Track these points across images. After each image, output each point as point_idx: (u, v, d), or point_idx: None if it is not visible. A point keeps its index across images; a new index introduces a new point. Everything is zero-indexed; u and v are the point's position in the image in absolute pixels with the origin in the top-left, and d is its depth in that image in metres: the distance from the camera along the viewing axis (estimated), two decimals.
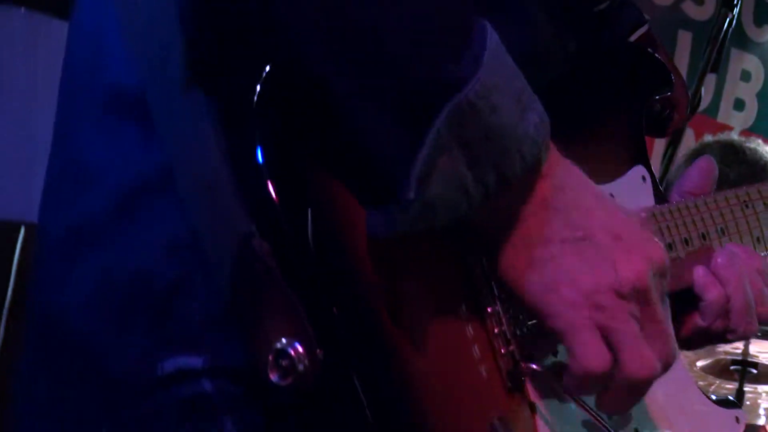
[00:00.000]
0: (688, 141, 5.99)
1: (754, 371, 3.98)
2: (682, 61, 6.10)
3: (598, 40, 1.82)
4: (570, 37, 1.75)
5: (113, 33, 1.50)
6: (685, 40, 6.14)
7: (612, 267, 1.38)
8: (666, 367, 1.44)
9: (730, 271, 1.82)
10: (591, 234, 1.39)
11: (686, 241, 1.85)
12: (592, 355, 1.38)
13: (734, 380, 3.97)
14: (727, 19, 3.58)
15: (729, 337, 1.83)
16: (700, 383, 4.04)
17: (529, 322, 1.54)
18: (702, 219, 1.89)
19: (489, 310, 1.49)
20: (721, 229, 1.91)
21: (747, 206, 1.97)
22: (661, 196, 1.89)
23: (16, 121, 3.81)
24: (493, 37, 1.33)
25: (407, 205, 1.29)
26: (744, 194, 1.97)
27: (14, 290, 3.44)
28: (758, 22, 6.51)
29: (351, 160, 1.33)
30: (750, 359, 3.94)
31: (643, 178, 1.86)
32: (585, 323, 1.38)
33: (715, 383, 4.07)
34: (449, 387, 1.42)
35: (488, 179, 1.31)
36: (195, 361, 1.38)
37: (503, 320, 1.51)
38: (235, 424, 1.40)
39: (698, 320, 1.82)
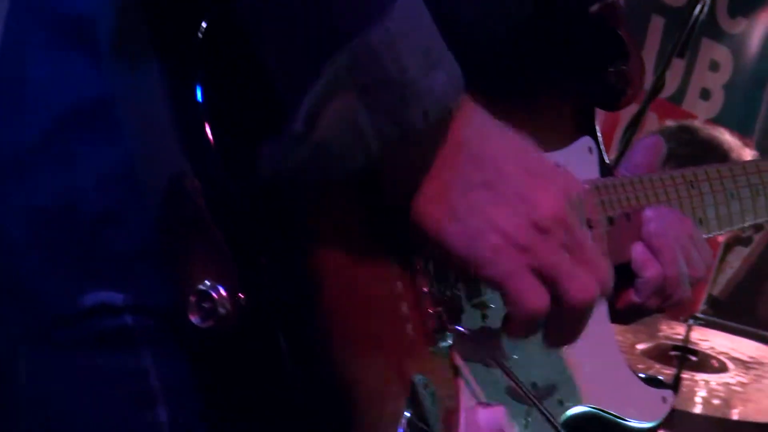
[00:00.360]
0: (651, 126, 5.99)
1: (694, 359, 4.00)
2: (653, 45, 6.08)
3: (558, 5, 1.80)
4: (525, 1, 1.73)
5: None
6: (657, 25, 6.13)
7: (530, 204, 1.37)
8: (605, 288, 1.44)
9: (664, 241, 1.82)
10: (504, 175, 1.38)
11: (628, 216, 1.84)
12: (530, 298, 1.38)
13: (673, 366, 3.98)
14: (698, 6, 3.57)
15: (662, 309, 1.84)
16: (639, 366, 4.05)
17: (458, 284, 1.54)
18: (646, 195, 1.88)
19: (419, 267, 1.49)
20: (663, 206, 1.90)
21: (693, 186, 1.96)
22: (607, 169, 1.88)
23: None
24: None
25: (296, 140, 1.27)
26: (691, 174, 1.97)
27: None
28: (732, 14, 6.51)
29: (262, 90, 1.31)
30: (691, 346, 3.95)
31: (590, 150, 1.85)
32: (515, 267, 1.37)
33: (654, 367, 4.07)
34: (371, 341, 1.42)
35: (386, 130, 1.29)
36: (117, 297, 1.37)
37: (433, 279, 1.50)
38: (155, 358, 1.39)
39: (633, 296, 1.83)
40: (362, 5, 1.28)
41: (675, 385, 3.94)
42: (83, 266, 1.39)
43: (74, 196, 1.39)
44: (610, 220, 1.82)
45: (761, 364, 3.92)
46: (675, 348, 4.02)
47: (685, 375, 4.00)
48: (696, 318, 4.07)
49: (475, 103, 1.40)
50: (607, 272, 1.45)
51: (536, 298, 1.39)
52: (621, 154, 3.59)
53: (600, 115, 1.88)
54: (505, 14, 1.71)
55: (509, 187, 1.38)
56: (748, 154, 4.07)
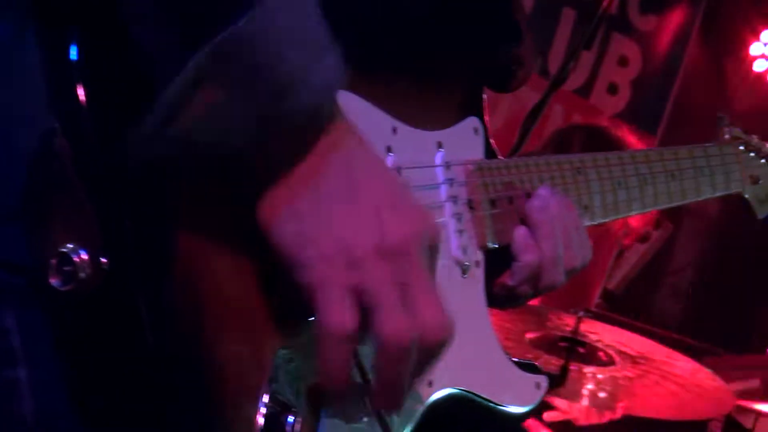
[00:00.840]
0: (557, 118, 6.02)
1: (582, 350, 4.00)
2: (562, 37, 6.10)
3: None
4: None
5: None
6: (568, 17, 6.14)
7: (378, 226, 1.31)
8: (425, 339, 1.34)
9: (544, 219, 1.80)
10: (366, 194, 1.32)
11: (511, 200, 1.82)
12: (335, 313, 1.30)
13: (562, 357, 3.98)
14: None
15: (534, 294, 1.82)
16: (528, 355, 4.05)
17: None
18: (530, 179, 1.86)
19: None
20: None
21: (579, 172, 1.95)
22: (491, 151, 1.86)
23: None
24: None
25: (157, 130, 1.23)
26: (578, 160, 1.95)
27: None
28: (643, 10, 6.55)
29: (134, 62, 1.27)
30: (579, 338, 3.96)
31: (476, 130, 1.83)
32: (335, 280, 1.30)
33: (542, 357, 4.07)
34: (233, 312, 1.38)
35: (250, 124, 1.25)
36: None
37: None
38: (16, 319, 1.35)
39: (508, 279, 1.80)
40: None
41: (562, 375, 3.94)
42: None
43: None
44: (492, 203, 1.79)
45: (648, 359, 3.94)
46: (563, 339, 4.02)
47: (573, 367, 3.99)
48: (587, 310, 4.07)
49: (347, 120, 1.35)
50: (434, 326, 1.34)
51: (341, 316, 1.30)
52: (520, 142, 3.58)
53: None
54: None
55: (367, 205, 1.32)
56: None
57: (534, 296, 1.84)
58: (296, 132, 1.28)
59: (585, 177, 1.95)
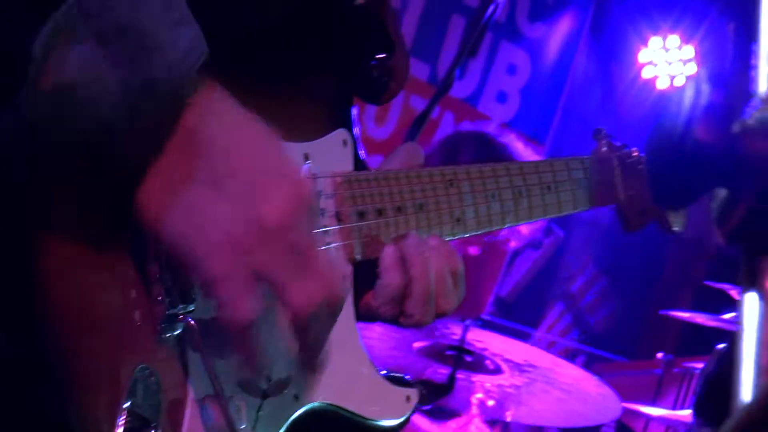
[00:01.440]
0: (448, 126, 6.03)
1: (469, 359, 4.00)
2: (451, 44, 6.12)
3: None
4: None
5: None
6: (457, 24, 6.16)
7: (256, 204, 1.31)
8: (331, 296, 1.37)
9: (417, 257, 1.77)
10: (233, 171, 1.31)
11: (380, 212, 1.79)
12: (239, 307, 1.31)
13: (449, 365, 3.98)
14: (491, 7, 3.58)
15: (402, 321, 1.78)
16: (417, 366, 4.04)
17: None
18: (401, 192, 1.83)
19: (150, 254, 1.41)
20: (420, 204, 1.86)
21: (452, 185, 1.92)
22: (361, 164, 1.83)
23: None
24: None
25: (37, 87, 1.20)
26: (451, 173, 1.92)
27: None
28: (532, 18, 6.59)
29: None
30: (466, 347, 3.95)
31: (344, 142, 1.80)
32: (229, 270, 1.30)
33: (431, 366, 4.07)
34: (91, 325, 1.34)
35: (130, 79, 1.23)
36: None
37: (164, 266, 1.43)
38: None
39: (371, 299, 1.77)
40: None
41: (449, 384, 3.93)
42: None
43: None
44: (361, 215, 1.76)
45: (534, 367, 3.95)
46: (451, 348, 4.01)
47: (461, 375, 3.99)
48: (476, 318, 4.08)
49: (219, 90, 1.33)
50: (334, 280, 1.38)
51: (245, 308, 1.31)
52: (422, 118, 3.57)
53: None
54: (264, 3, 1.63)
55: (236, 184, 1.31)
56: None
57: (398, 324, 1.80)
58: (162, 101, 1.26)
59: (458, 189, 1.92)
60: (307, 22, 1.72)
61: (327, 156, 1.75)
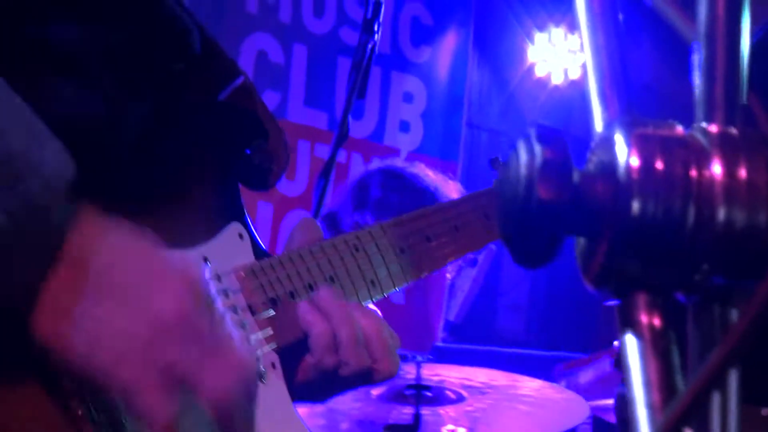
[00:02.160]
0: (357, 167, 6.04)
1: (430, 394, 4.00)
2: (342, 87, 6.14)
3: (180, 100, 1.74)
4: (143, 99, 1.66)
5: None
6: (344, 65, 6.18)
7: (148, 307, 1.31)
8: (243, 372, 1.36)
9: (334, 305, 1.78)
10: (119, 283, 1.32)
11: (292, 294, 1.79)
12: (158, 411, 1.30)
13: (412, 404, 3.97)
14: (369, 46, 3.59)
15: (344, 372, 1.78)
16: (379, 413, 4.03)
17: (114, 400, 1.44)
18: (308, 269, 1.83)
19: (68, 387, 1.40)
20: (331, 276, 1.86)
21: (357, 250, 1.92)
22: (261, 252, 1.82)
23: None
24: None
25: None
26: (353, 238, 1.93)
27: None
28: (415, 43, 6.62)
29: None
30: (424, 383, 3.95)
31: (240, 236, 1.79)
32: (141, 375, 1.29)
33: (395, 408, 4.06)
34: None
35: (8, 203, 1.23)
36: None
37: (87, 400, 1.42)
38: None
39: (309, 357, 1.77)
40: None
41: (416, 423, 3.93)
42: None
43: None
44: (274, 302, 1.76)
45: (494, 387, 3.95)
46: (409, 387, 4.00)
47: (426, 411, 3.98)
48: (429, 349, 4.08)
49: (89, 210, 1.32)
50: (244, 357, 1.38)
51: (163, 408, 1.30)
52: (319, 201, 3.57)
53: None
54: (123, 114, 1.62)
55: (126, 292, 1.31)
56: (452, 188, 4.10)
57: (346, 379, 1.80)
58: (42, 222, 1.26)
59: (365, 252, 1.93)
60: (174, 129, 1.71)
61: (226, 253, 1.75)
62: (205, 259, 1.70)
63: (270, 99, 5.75)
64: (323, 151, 5.93)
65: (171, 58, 1.71)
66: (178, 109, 1.73)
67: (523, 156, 0.76)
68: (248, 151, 1.82)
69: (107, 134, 1.60)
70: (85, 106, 1.57)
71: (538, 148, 0.76)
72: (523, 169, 0.75)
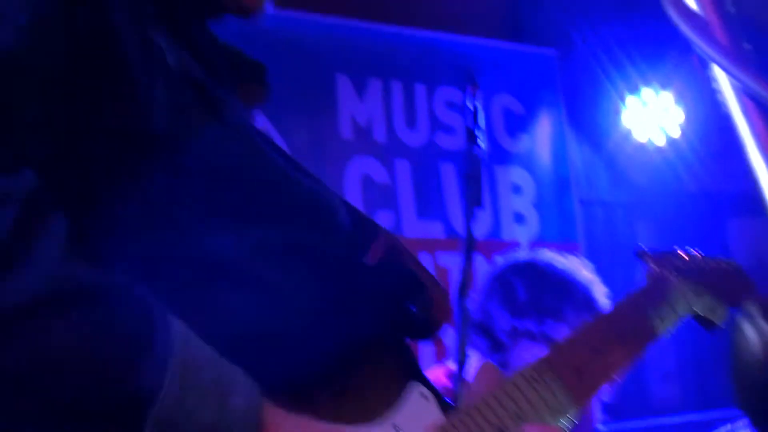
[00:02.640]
0: (481, 266, 6.00)
1: None
2: (451, 191, 6.15)
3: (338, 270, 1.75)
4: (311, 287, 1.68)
5: None
6: (448, 171, 6.20)
7: None
8: None
9: None
10: None
11: (518, 416, 1.80)
12: None
13: None
14: (476, 147, 3.60)
15: None
16: None
17: None
18: (495, 414, 1.82)
19: None
20: (517, 414, 1.85)
21: (536, 381, 1.91)
22: (446, 406, 1.82)
23: None
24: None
25: None
26: (529, 371, 1.92)
27: None
28: (511, 134, 6.62)
29: None
30: None
31: (424, 396, 1.78)
32: None
33: None
34: None
35: None
36: None
37: None
38: None
39: None
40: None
41: None
42: None
43: None
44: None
45: None
46: None
47: None
48: None
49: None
50: None
51: None
52: (463, 322, 3.54)
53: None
54: (296, 311, 1.64)
55: None
56: (600, 291, 4.02)
57: None
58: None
59: (543, 382, 1.92)
60: (334, 301, 1.72)
61: (414, 416, 1.75)
62: (396, 428, 1.70)
63: (384, 219, 5.77)
64: (445, 260, 5.93)
65: (332, 243, 1.72)
66: (336, 277, 1.74)
67: (752, 336, 0.75)
68: (413, 308, 1.82)
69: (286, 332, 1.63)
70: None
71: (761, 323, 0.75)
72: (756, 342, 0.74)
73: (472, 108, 3.60)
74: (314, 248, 1.68)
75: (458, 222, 6.11)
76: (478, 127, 3.59)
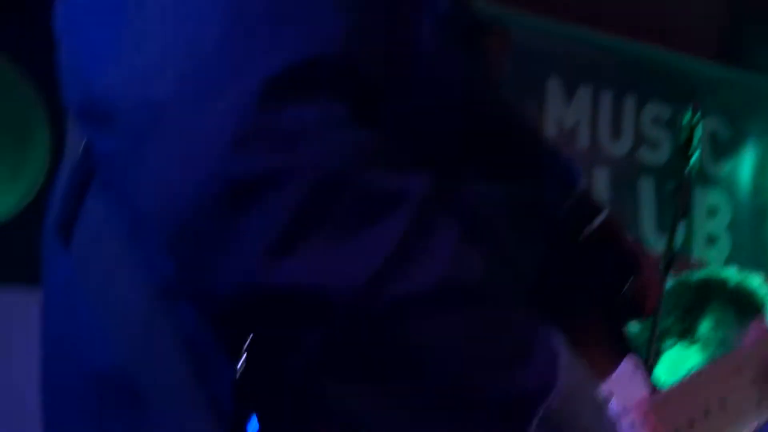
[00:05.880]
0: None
1: None
2: (648, 206, 6.14)
3: (562, 238, 1.80)
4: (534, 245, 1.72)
5: (85, 309, 1.47)
6: (647, 186, 6.19)
7: None
8: None
9: None
10: None
11: (692, 423, 1.83)
12: None
13: None
14: (692, 160, 3.59)
15: None
16: None
17: None
18: (699, 394, 1.86)
19: None
20: (721, 399, 1.88)
21: (740, 368, 1.94)
22: (652, 383, 1.85)
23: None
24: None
25: None
26: (731, 358, 1.95)
27: None
28: (715, 157, 6.56)
29: None
30: None
31: (635, 368, 1.84)
32: None
33: None
34: None
35: None
36: None
37: None
38: None
39: None
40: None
41: None
42: None
43: None
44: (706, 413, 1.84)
45: None
46: None
47: None
48: None
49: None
50: None
51: None
52: (652, 334, 3.53)
53: None
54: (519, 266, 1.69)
55: None
56: None
57: None
58: None
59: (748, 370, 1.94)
60: (558, 268, 1.76)
61: (627, 386, 1.80)
62: (609, 394, 1.75)
63: None
64: None
65: (562, 197, 1.75)
66: (560, 249, 1.77)
67: None
68: (625, 287, 1.85)
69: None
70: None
71: None
72: None
73: (691, 125, 3.58)
74: (549, 210, 1.71)
75: (651, 237, 6.09)
76: (695, 145, 3.57)
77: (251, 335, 1.28)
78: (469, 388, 1.30)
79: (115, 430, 1.41)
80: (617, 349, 1.84)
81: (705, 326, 3.98)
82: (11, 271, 3.99)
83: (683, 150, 3.63)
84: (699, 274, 4.19)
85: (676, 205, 3.67)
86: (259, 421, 1.29)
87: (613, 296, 1.85)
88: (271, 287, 1.23)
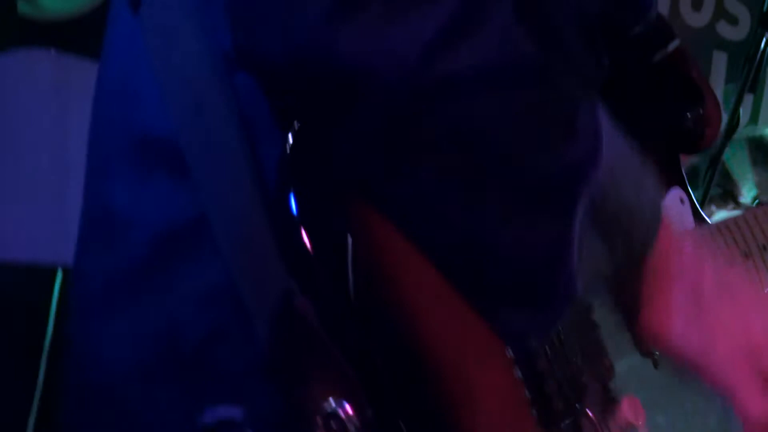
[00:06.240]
0: None
1: None
2: (718, 81, 6.04)
3: (628, 61, 1.78)
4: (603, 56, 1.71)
5: (145, 77, 1.46)
6: (720, 60, 6.09)
7: (748, 316, 1.45)
8: None
9: None
10: (724, 288, 1.47)
11: (764, 247, 1.84)
12: (756, 408, 1.43)
13: None
14: (764, 39, 3.55)
15: None
16: None
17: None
18: (743, 236, 1.84)
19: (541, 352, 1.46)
20: (764, 246, 1.86)
21: None
22: (699, 217, 1.85)
23: (49, 160, 3.80)
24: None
25: (567, 303, 1.34)
26: None
27: (53, 336, 3.42)
28: None
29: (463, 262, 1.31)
30: None
31: (682, 200, 1.83)
32: (744, 378, 1.44)
33: None
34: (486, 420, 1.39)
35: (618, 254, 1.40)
36: (236, 412, 1.34)
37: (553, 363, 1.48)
38: None
39: None
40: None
41: None
42: (193, 385, 1.38)
43: (177, 320, 1.39)
44: (746, 255, 1.83)
45: None
46: None
47: None
48: None
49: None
50: None
51: (761, 406, 1.44)
52: (705, 194, 3.53)
53: None
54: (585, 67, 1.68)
55: (734, 298, 1.47)
56: None
57: None
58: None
59: None
60: (620, 90, 1.74)
61: (672, 217, 1.78)
62: None
63: None
64: None
65: (634, 20, 1.75)
66: (627, 69, 1.78)
67: None
68: (687, 116, 1.85)
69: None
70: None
71: None
72: None
73: None
74: (620, 29, 1.72)
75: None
76: None
77: (302, 111, 1.28)
78: (518, 164, 1.29)
79: (157, 191, 1.42)
80: (668, 177, 1.83)
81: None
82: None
83: (761, 24, 3.60)
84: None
85: (745, 78, 3.62)
86: (296, 199, 1.28)
87: (675, 122, 1.86)
88: (328, 53, 1.21)
